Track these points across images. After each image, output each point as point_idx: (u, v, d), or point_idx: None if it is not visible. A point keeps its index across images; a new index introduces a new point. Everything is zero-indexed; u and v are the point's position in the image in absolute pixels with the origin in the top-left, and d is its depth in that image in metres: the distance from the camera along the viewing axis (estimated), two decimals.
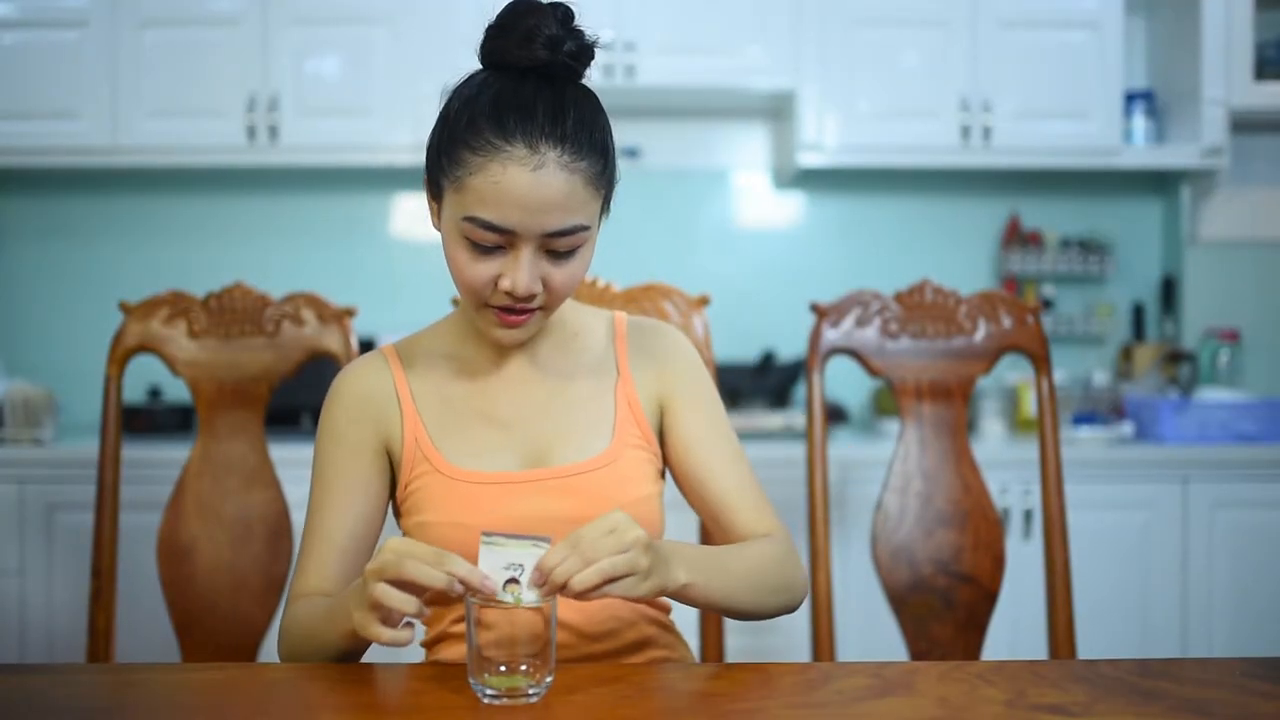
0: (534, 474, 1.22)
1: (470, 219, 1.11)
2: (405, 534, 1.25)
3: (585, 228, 1.14)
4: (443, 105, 1.17)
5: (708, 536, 1.61)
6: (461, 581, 0.98)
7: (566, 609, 1.18)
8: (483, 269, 1.13)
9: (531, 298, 1.15)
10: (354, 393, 1.26)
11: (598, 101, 1.17)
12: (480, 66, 1.17)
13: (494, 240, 1.12)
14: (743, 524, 1.27)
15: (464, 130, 1.11)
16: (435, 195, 1.17)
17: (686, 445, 1.29)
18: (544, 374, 1.28)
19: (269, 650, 1.71)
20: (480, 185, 1.10)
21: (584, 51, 1.14)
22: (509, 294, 1.14)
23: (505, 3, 1.15)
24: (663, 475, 1.31)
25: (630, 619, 1.25)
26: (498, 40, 1.13)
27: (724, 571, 1.16)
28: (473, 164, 1.10)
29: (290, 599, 1.22)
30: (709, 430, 1.29)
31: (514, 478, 1.21)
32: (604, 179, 1.15)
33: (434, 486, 1.21)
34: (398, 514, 1.28)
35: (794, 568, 1.25)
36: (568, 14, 1.13)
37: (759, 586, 1.20)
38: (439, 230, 1.18)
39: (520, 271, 1.12)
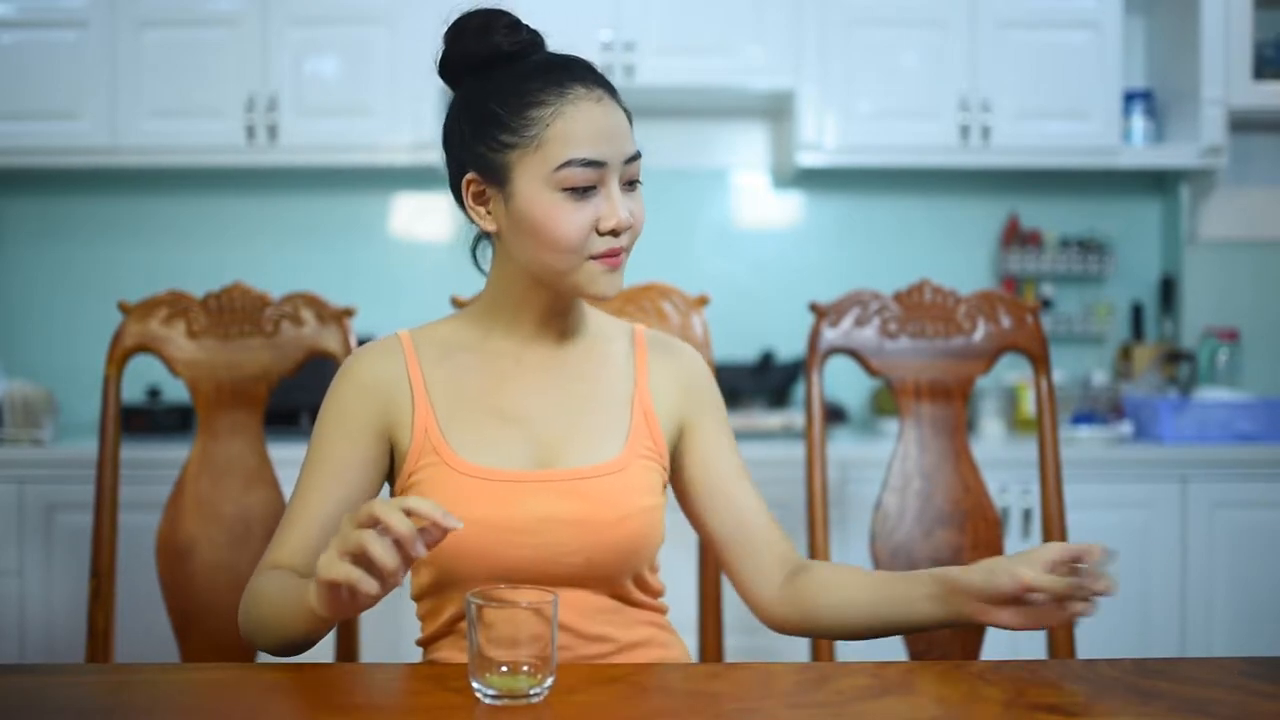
0: (542, 474, 1.21)
1: (566, 164, 1.15)
2: None
3: (640, 155, 1.21)
4: (454, 111, 1.21)
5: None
6: (409, 512, 0.96)
7: (562, 609, 1.18)
8: (582, 216, 1.16)
9: (627, 230, 1.18)
10: (365, 375, 1.25)
11: None
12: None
13: (590, 179, 1.16)
14: (776, 546, 1.29)
15: (515, 102, 1.16)
16: (497, 180, 1.19)
17: (710, 467, 1.31)
18: (563, 374, 1.27)
19: None
20: (563, 129, 1.15)
21: (539, 36, 1.22)
22: (612, 232, 1.17)
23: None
24: (664, 488, 1.31)
25: (625, 619, 1.25)
26: (458, 43, 1.20)
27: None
28: (545, 117, 1.15)
29: (260, 568, 1.18)
30: (731, 454, 1.32)
31: (522, 476, 1.20)
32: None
33: (439, 479, 1.20)
34: None
35: None
36: (508, 14, 1.20)
37: None
38: (502, 223, 1.20)
39: (616, 204, 1.17)
